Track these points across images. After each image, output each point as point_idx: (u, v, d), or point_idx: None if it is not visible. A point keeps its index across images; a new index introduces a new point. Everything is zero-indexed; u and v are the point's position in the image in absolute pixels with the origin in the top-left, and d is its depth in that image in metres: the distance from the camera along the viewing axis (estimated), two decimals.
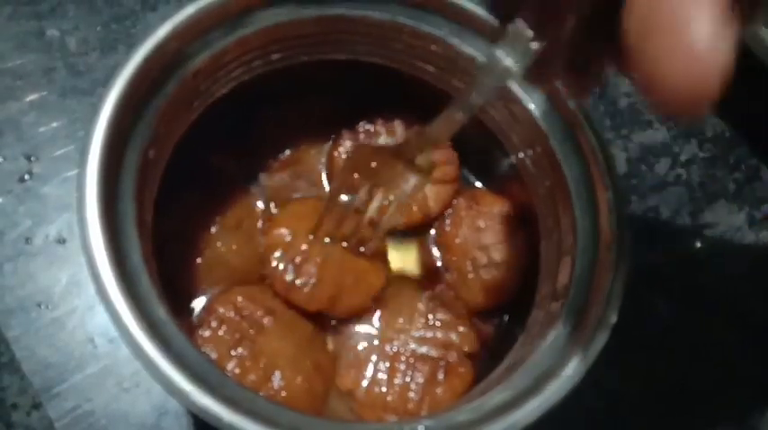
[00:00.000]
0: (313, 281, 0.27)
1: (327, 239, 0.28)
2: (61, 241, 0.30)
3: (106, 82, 0.34)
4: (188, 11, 0.23)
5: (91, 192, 0.20)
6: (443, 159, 0.31)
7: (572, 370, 0.21)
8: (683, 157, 0.39)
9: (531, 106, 0.26)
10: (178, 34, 0.23)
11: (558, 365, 0.21)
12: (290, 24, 0.25)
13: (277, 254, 0.27)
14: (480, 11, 0.27)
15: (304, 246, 0.27)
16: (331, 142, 0.32)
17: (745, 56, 0.15)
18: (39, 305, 0.29)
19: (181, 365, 0.18)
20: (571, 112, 0.25)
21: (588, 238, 0.24)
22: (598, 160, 0.25)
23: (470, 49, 0.27)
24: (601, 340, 0.21)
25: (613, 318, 0.22)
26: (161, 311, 0.20)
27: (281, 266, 0.27)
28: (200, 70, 0.24)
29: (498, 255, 0.29)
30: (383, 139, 0.31)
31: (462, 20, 0.27)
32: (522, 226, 0.30)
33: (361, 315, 0.28)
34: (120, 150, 0.21)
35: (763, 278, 0.36)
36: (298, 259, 0.27)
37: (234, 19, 0.24)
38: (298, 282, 0.27)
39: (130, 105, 0.22)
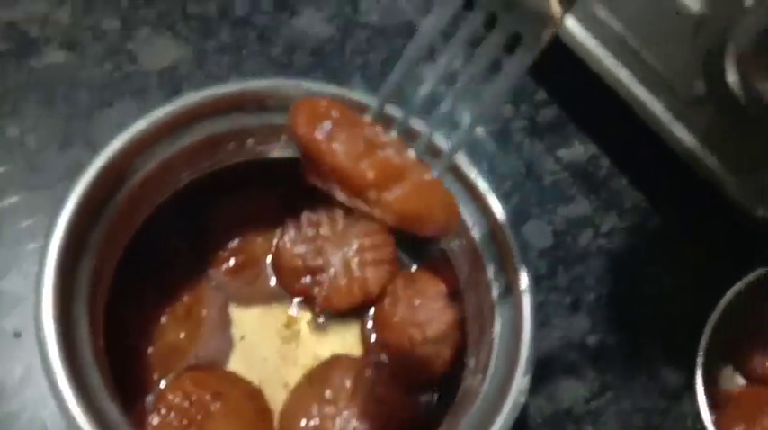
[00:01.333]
0: None
1: None
2: (17, 335, 0.32)
3: (65, 177, 0.37)
4: (139, 125, 0.26)
5: (47, 292, 0.22)
6: (382, 243, 0.34)
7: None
8: (603, 228, 0.43)
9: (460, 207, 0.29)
10: (130, 147, 0.25)
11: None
12: (235, 131, 0.28)
13: None
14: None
15: None
16: (277, 232, 0.34)
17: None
18: None
19: None
20: (488, 207, 0.29)
21: (506, 316, 0.27)
22: (512, 249, 0.28)
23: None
24: (517, 408, 0.24)
25: (525, 393, 0.25)
26: (111, 407, 0.21)
27: None
28: (149, 178, 0.27)
29: (432, 331, 0.32)
30: (325, 228, 0.34)
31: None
32: (453, 304, 0.33)
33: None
34: (75, 253, 0.24)
35: (683, 344, 0.40)
36: None
37: (181, 128, 0.27)
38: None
39: (85, 213, 0.24)
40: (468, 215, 0.30)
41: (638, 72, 0.40)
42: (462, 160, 0.30)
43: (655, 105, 0.40)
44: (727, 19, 0.34)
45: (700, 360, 0.35)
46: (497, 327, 0.27)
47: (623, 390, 0.37)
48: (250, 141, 0.30)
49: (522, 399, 0.25)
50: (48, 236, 0.23)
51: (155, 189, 0.28)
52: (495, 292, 0.28)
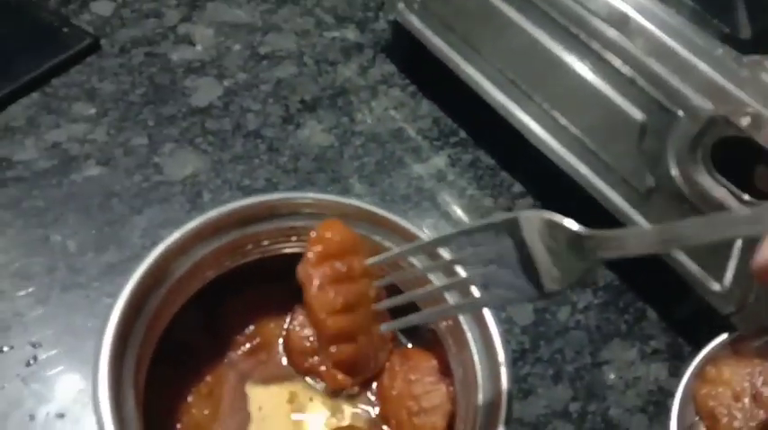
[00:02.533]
0: None
1: None
2: (60, 416, 0.36)
3: (100, 277, 0.42)
4: (175, 235, 0.31)
5: (102, 381, 0.26)
6: None
7: None
8: (580, 305, 0.48)
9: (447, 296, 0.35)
10: (168, 253, 0.31)
11: None
12: (253, 235, 0.34)
13: None
14: (398, 219, 0.36)
15: None
16: (288, 317, 0.39)
17: None
18: None
19: None
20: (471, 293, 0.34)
21: (488, 386, 0.32)
22: (491, 328, 0.33)
23: (387, 242, 0.36)
24: None
25: None
26: None
27: None
28: (182, 278, 0.32)
29: (427, 402, 0.36)
30: None
31: (377, 222, 0.36)
32: (445, 378, 0.37)
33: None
34: (122, 347, 0.28)
35: (656, 408, 0.43)
36: None
37: (209, 236, 0.33)
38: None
39: (130, 311, 0.29)
40: (452, 300, 0.35)
41: (597, 169, 0.46)
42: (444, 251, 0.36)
43: (614, 197, 0.46)
44: (666, 126, 0.41)
45: (674, 423, 0.39)
46: (481, 396, 0.31)
47: None
48: (265, 242, 0.36)
49: None
50: (102, 327, 0.28)
51: (186, 286, 0.33)
52: (478, 366, 0.32)
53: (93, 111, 0.50)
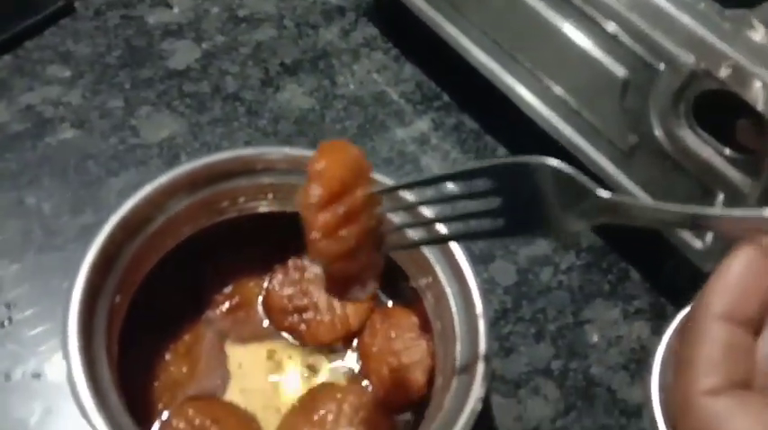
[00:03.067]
0: None
1: None
2: (36, 376, 0.36)
3: (77, 239, 0.41)
4: (147, 189, 0.31)
5: (72, 328, 0.26)
6: None
7: None
8: (563, 266, 0.47)
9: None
10: (139, 207, 0.30)
11: None
12: (227, 191, 0.33)
13: None
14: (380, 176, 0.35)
15: None
16: (267, 277, 0.39)
17: None
18: None
19: None
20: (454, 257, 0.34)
21: (466, 338, 0.32)
22: (469, 281, 0.32)
23: None
24: (474, 414, 0.28)
25: (481, 402, 0.29)
26: (126, 420, 0.25)
27: None
28: (156, 233, 0.31)
29: (407, 358, 0.36)
30: (309, 272, 0.39)
31: None
32: (425, 334, 0.37)
33: None
34: (94, 298, 0.28)
35: (638, 366, 0.44)
36: None
37: (183, 190, 0.32)
38: None
39: (102, 263, 0.29)
40: (433, 256, 0.35)
41: (581, 128, 0.46)
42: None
43: (598, 157, 0.46)
44: (648, 82, 0.40)
45: (655, 379, 0.39)
46: (459, 347, 0.31)
47: (586, 410, 0.41)
48: (241, 199, 0.35)
49: (479, 407, 0.28)
50: (72, 278, 0.28)
51: (160, 242, 0.32)
52: (456, 319, 0.32)
53: (67, 73, 0.49)
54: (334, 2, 0.59)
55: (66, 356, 0.25)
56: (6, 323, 0.37)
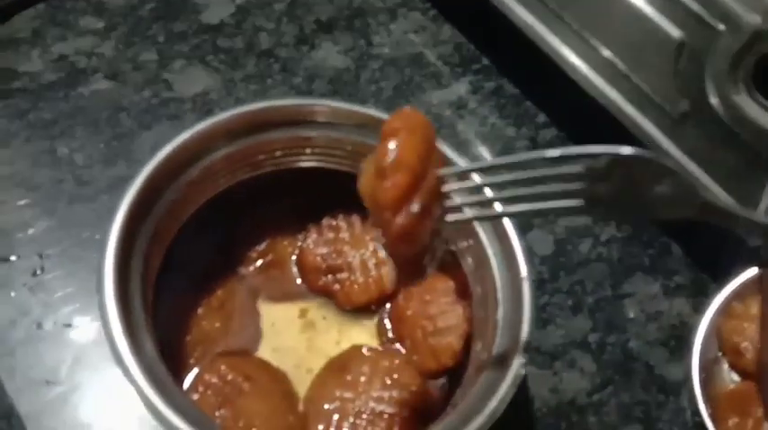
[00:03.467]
0: None
1: None
2: (67, 325, 0.35)
3: (108, 190, 0.41)
4: (184, 136, 0.30)
5: (108, 274, 0.25)
6: None
7: (494, 406, 0.26)
8: (603, 237, 0.46)
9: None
10: (177, 153, 0.29)
11: (482, 404, 0.26)
12: (263, 143, 0.32)
13: None
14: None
15: None
16: (301, 235, 0.38)
17: None
18: (47, 382, 0.33)
19: (182, 414, 0.23)
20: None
21: (509, 302, 0.30)
22: (513, 244, 0.31)
23: None
24: (517, 379, 0.27)
25: (524, 367, 0.27)
26: (161, 369, 0.25)
27: None
28: (192, 181, 0.30)
29: (443, 322, 0.35)
30: (343, 232, 0.38)
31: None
32: (461, 299, 0.36)
33: None
34: (129, 244, 0.27)
35: (677, 343, 0.42)
36: None
37: (221, 140, 0.31)
38: None
39: (139, 209, 0.28)
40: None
41: (629, 93, 0.44)
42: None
43: (645, 124, 0.44)
44: (705, 43, 0.38)
45: (696, 357, 0.38)
46: (501, 312, 0.30)
47: (623, 385, 0.40)
48: (278, 153, 0.34)
49: (522, 372, 0.27)
50: (108, 223, 0.27)
51: (196, 192, 0.31)
52: (498, 283, 0.31)
53: (100, 24, 0.48)
54: None
55: (102, 303, 0.25)
56: (39, 272, 0.37)
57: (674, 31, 0.39)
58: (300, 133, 0.34)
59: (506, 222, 0.32)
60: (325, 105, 0.33)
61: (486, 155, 0.48)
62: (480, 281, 0.33)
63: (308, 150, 0.35)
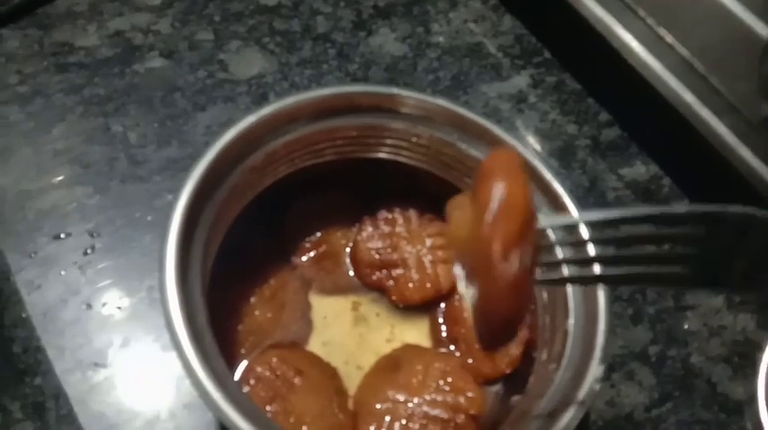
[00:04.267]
0: None
1: None
2: (117, 308, 0.35)
3: (161, 171, 0.40)
4: (249, 119, 0.28)
5: (170, 263, 0.24)
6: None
7: (568, 419, 0.24)
8: (666, 246, 0.44)
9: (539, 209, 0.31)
10: (241, 137, 0.28)
11: (556, 416, 0.25)
12: (327, 131, 0.31)
13: None
14: (482, 120, 0.32)
15: None
16: (355, 228, 0.36)
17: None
18: (95, 364, 0.33)
19: (241, 410, 0.22)
20: (563, 205, 0.30)
21: (581, 309, 0.29)
22: (586, 244, 0.29)
23: (475, 152, 0.32)
24: (591, 395, 0.25)
25: (599, 381, 0.26)
26: (221, 362, 0.24)
27: None
28: (255, 167, 0.29)
29: None
30: (400, 226, 0.36)
31: (468, 128, 0.32)
32: None
33: None
34: (190, 231, 0.26)
35: (741, 360, 0.40)
36: None
37: (284, 126, 0.30)
38: None
39: (201, 193, 0.27)
40: (544, 216, 0.32)
41: (704, 95, 0.41)
42: (538, 165, 0.32)
43: (720, 127, 0.41)
44: None
45: (762, 376, 0.36)
46: (572, 319, 0.28)
47: (683, 401, 0.38)
48: (339, 142, 0.33)
49: (597, 387, 0.26)
50: (172, 209, 0.26)
51: (256, 180, 0.30)
52: (569, 287, 0.29)
53: (157, 1, 0.47)
54: None
55: (164, 293, 0.24)
56: (89, 251, 0.36)
57: (763, 30, 0.37)
58: (364, 120, 0.32)
59: (576, 216, 0.30)
60: (392, 93, 0.32)
61: (545, 152, 0.46)
62: (547, 287, 0.31)
63: (370, 140, 0.33)
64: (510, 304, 0.21)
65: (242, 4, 0.49)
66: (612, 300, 0.40)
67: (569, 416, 0.24)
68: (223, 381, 0.23)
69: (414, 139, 0.33)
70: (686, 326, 0.41)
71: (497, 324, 0.22)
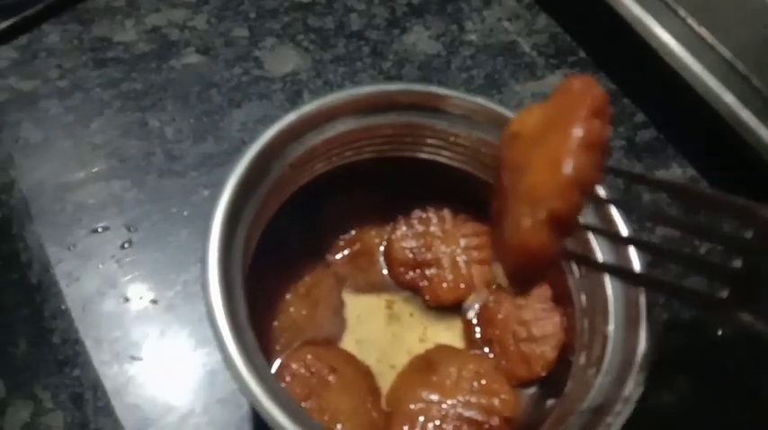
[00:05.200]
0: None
1: None
2: (153, 301, 0.35)
3: (197, 166, 0.40)
4: (290, 117, 0.29)
5: (213, 257, 0.25)
6: (487, 244, 0.36)
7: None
8: (701, 250, 0.43)
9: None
10: (282, 134, 0.28)
11: (596, 424, 0.24)
12: (366, 129, 0.31)
13: None
14: None
15: None
16: (389, 226, 0.36)
17: None
18: (131, 357, 0.33)
19: (283, 407, 0.22)
20: (603, 202, 0.30)
21: (621, 313, 0.28)
22: (627, 251, 0.29)
23: None
24: (633, 401, 0.25)
25: (641, 387, 0.25)
26: (260, 358, 0.24)
27: None
28: (294, 163, 0.29)
29: (537, 330, 0.33)
30: (434, 226, 0.36)
31: None
32: (558, 305, 0.34)
33: None
34: (233, 225, 0.26)
35: None
36: None
37: (324, 123, 0.30)
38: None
39: (243, 188, 0.27)
40: (583, 216, 0.31)
41: (745, 96, 0.41)
42: None
43: (761, 129, 0.40)
44: None
45: None
46: (612, 325, 0.28)
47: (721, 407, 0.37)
48: (378, 140, 0.33)
49: (639, 392, 0.25)
50: (215, 205, 0.26)
51: (295, 175, 0.30)
52: (609, 291, 0.29)
53: None
54: None
55: (206, 291, 0.24)
56: (126, 245, 0.37)
57: None
58: (403, 119, 0.32)
59: (619, 221, 0.30)
60: (431, 92, 0.31)
61: None
62: (586, 288, 0.30)
63: (408, 139, 0.33)
64: (563, 201, 0.20)
65: (276, 1, 0.49)
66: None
67: (612, 419, 0.24)
68: (264, 377, 0.23)
69: (452, 139, 0.33)
70: (719, 332, 0.40)
71: (524, 266, 0.22)
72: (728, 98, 0.41)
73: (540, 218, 0.21)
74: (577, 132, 0.20)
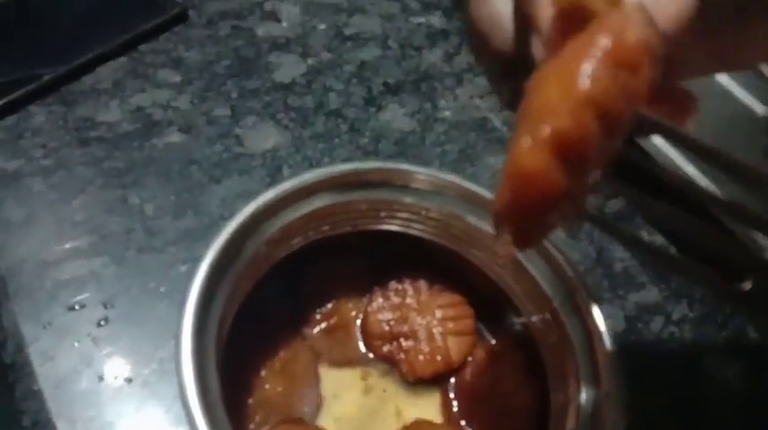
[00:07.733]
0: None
1: None
2: (128, 380, 0.35)
3: (176, 242, 0.41)
4: (268, 194, 0.30)
5: (186, 334, 0.25)
6: (462, 315, 0.36)
7: None
8: (675, 316, 0.44)
9: (536, 275, 0.32)
10: (260, 211, 0.29)
11: None
12: (342, 204, 0.32)
13: None
14: (490, 195, 0.33)
15: None
16: (366, 298, 0.37)
17: None
18: None
19: None
20: (570, 279, 0.31)
21: (590, 387, 0.29)
22: (594, 320, 0.30)
23: (484, 225, 0.33)
24: None
25: None
26: None
27: None
28: (271, 239, 0.30)
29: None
30: (410, 297, 0.37)
31: (476, 202, 0.33)
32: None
33: None
34: (208, 302, 0.27)
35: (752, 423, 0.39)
36: None
37: (301, 199, 0.31)
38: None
39: (220, 265, 0.27)
40: (550, 290, 0.32)
41: (709, 169, 0.43)
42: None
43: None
44: None
45: None
46: (583, 395, 0.28)
47: None
48: (353, 214, 0.34)
49: None
50: (190, 282, 0.27)
51: (272, 251, 0.31)
52: (579, 361, 0.29)
53: (178, 78, 0.50)
54: (438, 25, 0.58)
55: (179, 370, 0.24)
56: (102, 322, 0.37)
57: (759, 108, 0.38)
58: (375, 195, 0.33)
59: (583, 297, 0.31)
60: (411, 171, 0.33)
61: None
62: (558, 358, 0.31)
63: (382, 213, 0.34)
64: (572, 120, 0.17)
65: (258, 82, 0.51)
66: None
67: None
68: None
69: (424, 212, 0.34)
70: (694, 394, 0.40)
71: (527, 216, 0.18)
72: (690, 170, 0.43)
73: (540, 136, 0.17)
74: (603, 41, 0.16)
